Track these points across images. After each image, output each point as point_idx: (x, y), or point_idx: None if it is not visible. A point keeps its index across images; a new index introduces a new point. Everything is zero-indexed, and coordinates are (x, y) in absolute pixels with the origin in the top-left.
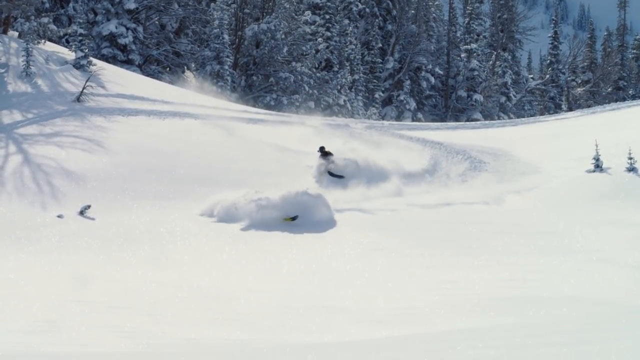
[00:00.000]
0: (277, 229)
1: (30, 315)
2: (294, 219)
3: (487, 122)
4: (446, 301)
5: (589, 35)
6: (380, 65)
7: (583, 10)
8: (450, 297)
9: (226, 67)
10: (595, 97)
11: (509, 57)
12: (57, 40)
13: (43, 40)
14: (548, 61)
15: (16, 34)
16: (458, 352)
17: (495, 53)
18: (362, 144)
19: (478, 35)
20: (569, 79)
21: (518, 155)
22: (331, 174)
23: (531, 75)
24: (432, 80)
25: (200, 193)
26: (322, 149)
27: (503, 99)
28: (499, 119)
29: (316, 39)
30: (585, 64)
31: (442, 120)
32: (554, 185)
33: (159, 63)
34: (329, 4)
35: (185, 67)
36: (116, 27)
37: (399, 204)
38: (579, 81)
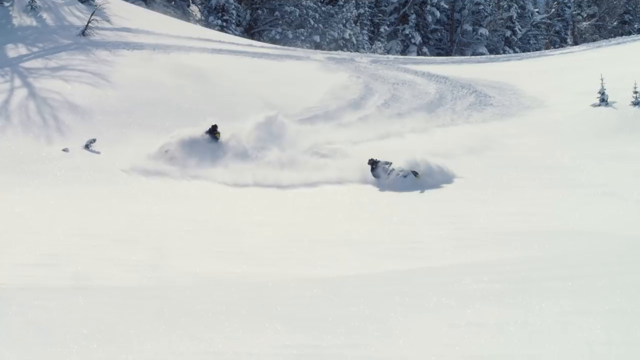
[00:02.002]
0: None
1: (36, 249)
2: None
3: (492, 56)
4: (451, 235)
5: None
6: None
7: None
8: (455, 231)
9: (231, 0)
10: (600, 31)
11: None
12: None
13: None
14: None
15: None
16: (463, 285)
17: None
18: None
19: None
20: (574, 12)
21: (523, 89)
22: (414, 172)
23: (537, 9)
24: (438, 14)
25: (204, 126)
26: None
27: (508, 33)
28: (504, 53)
29: None
30: None
31: (448, 54)
32: (559, 119)
33: None
34: None
35: (190, 1)
36: None
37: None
38: (585, 15)
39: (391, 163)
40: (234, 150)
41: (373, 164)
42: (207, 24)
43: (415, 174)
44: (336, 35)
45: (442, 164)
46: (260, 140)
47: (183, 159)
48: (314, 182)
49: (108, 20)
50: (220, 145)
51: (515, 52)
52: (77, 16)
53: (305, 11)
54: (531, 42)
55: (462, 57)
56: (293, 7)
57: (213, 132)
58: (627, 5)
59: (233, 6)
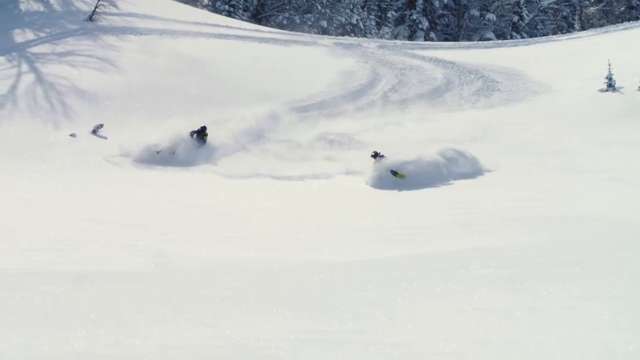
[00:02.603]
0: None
1: (43, 234)
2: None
3: (499, 41)
4: (458, 220)
5: None
6: None
7: None
8: (462, 216)
9: None
10: (608, 16)
11: None
12: None
13: None
14: None
15: None
16: (470, 271)
17: None
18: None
19: None
20: None
21: (530, 74)
22: (393, 172)
23: None
24: None
25: (211, 113)
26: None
27: (516, 18)
28: (511, 38)
29: None
30: None
31: (455, 39)
32: (566, 105)
33: None
34: None
35: None
36: None
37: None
38: (592, 0)
39: (383, 156)
40: (231, 146)
41: (376, 155)
42: (214, 9)
43: (394, 173)
44: (343, 20)
45: (474, 155)
46: (261, 131)
47: (175, 158)
48: (321, 172)
49: (115, 6)
50: (208, 145)
51: (522, 37)
52: (85, 1)
53: None
54: (538, 27)
55: (470, 43)
56: None
57: (201, 133)
58: None
59: None
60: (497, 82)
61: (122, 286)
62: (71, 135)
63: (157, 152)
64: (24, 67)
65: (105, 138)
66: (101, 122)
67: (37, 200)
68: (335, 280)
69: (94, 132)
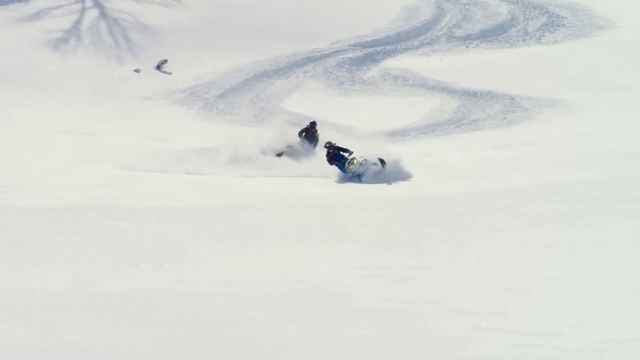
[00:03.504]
0: None
1: (107, 170)
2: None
3: None
4: (523, 157)
5: None
6: None
7: None
8: (527, 152)
9: None
10: None
11: None
12: None
13: None
14: None
15: None
16: (535, 207)
17: None
18: None
19: None
20: None
21: (596, 9)
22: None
23: None
24: None
25: (276, 47)
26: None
27: None
28: None
29: None
30: None
31: None
32: (632, 40)
33: None
34: None
35: None
36: None
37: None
38: None
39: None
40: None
41: (330, 147)
42: None
43: (382, 162)
44: None
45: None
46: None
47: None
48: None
49: None
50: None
51: None
52: None
53: None
54: None
55: None
56: None
57: (309, 130)
58: None
59: None
60: (562, 17)
61: (186, 222)
62: (135, 70)
63: (279, 155)
64: (88, 2)
65: (170, 73)
66: (165, 58)
67: (101, 136)
68: (400, 216)
69: (158, 67)
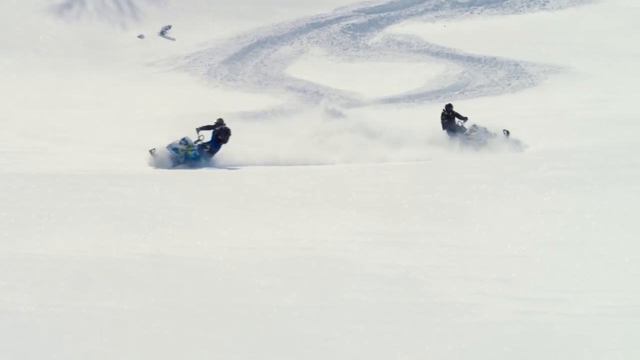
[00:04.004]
0: None
1: (111, 136)
2: None
3: None
4: (527, 123)
5: None
6: None
7: None
8: (531, 118)
9: None
10: None
11: None
12: None
13: None
14: None
15: None
16: (539, 173)
17: None
18: None
19: None
20: None
21: None
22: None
23: None
24: None
25: (280, 13)
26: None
27: None
28: None
29: None
30: None
31: None
32: (637, 6)
33: None
34: None
35: None
36: None
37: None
38: None
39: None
40: None
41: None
42: None
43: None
44: None
45: None
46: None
47: None
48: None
49: None
50: None
51: None
52: None
53: None
54: None
55: None
56: None
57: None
58: None
59: None
60: None
61: (190, 187)
62: (139, 36)
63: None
64: None
65: (174, 39)
66: (169, 24)
67: (106, 102)
68: (404, 182)
69: (162, 33)
